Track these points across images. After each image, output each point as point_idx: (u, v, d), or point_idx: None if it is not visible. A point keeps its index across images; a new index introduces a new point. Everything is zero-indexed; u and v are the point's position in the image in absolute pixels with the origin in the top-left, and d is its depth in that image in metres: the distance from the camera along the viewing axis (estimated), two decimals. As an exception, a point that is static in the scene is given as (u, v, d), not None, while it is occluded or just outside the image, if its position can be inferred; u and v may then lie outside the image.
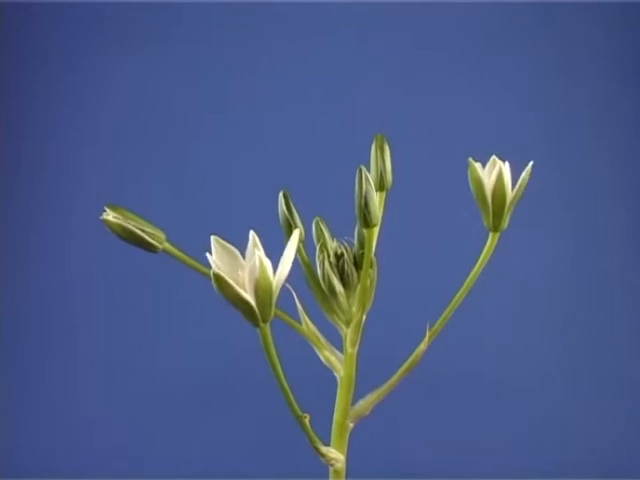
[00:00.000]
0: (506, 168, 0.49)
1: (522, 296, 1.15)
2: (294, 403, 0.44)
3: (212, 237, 0.42)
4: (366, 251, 0.46)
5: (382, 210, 0.51)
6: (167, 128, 1.17)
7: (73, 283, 1.16)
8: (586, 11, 1.16)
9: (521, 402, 1.14)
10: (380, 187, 0.51)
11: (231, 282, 0.40)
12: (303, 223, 0.48)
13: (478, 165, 0.50)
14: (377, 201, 0.45)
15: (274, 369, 0.43)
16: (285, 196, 0.48)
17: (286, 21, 1.17)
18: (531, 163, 0.49)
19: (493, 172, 0.49)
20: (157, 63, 1.17)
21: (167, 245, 0.47)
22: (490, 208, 0.50)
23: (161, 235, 0.47)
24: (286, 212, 0.48)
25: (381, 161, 0.51)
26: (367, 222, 0.45)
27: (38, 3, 1.16)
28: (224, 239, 0.42)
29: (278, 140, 1.16)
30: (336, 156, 1.08)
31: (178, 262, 0.47)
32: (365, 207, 0.44)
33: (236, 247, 0.43)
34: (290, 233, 0.47)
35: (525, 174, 0.49)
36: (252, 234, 0.42)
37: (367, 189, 0.44)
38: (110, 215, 0.46)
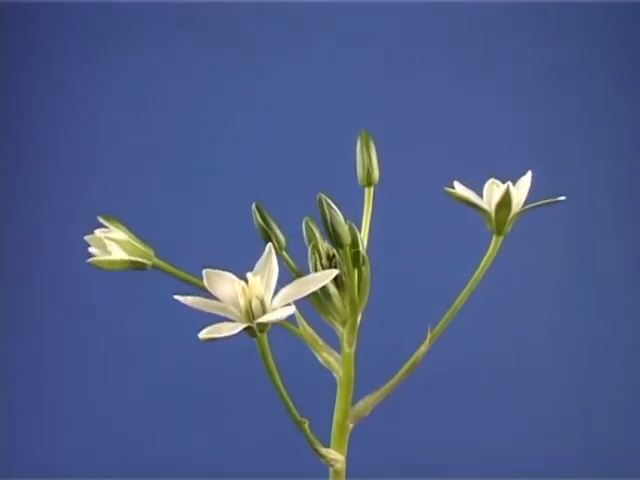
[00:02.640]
0: (513, 187, 0.49)
1: (523, 297, 1.15)
2: (293, 409, 0.44)
3: (203, 271, 0.42)
4: (347, 268, 0.46)
5: (370, 206, 0.52)
6: (168, 128, 1.17)
7: (74, 284, 1.16)
8: (583, 11, 1.16)
9: (522, 403, 1.14)
10: (368, 183, 0.52)
11: (224, 335, 0.40)
12: (282, 229, 0.47)
13: (457, 185, 0.50)
14: (343, 221, 0.45)
15: (272, 378, 0.43)
16: (258, 208, 0.47)
17: (284, 21, 1.17)
18: (562, 197, 0.49)
19: (496, 193, 0.49)
20: (157, 63, 1.17)
21: (156, 261, 0.47)
22: (493, 219, 0.50)
23: (149, 251, 0.47)
24: (262, 223, 0.47)
25: (367, 157, 0.52)
26: (339, 244, 0.45)
27: (38, 3, 1.16)
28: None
29: (273, 140, 1.16)
30: (332, 156, 1.08)
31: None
32: (334, 232, 0.44)
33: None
34: (270, 242, 0.46)
35: (546, 201, 0.49)
36: (269, 247, 0.43)
37: (331, 215, 0.44)
38: (95, 242, 0.46)
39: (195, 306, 0.41)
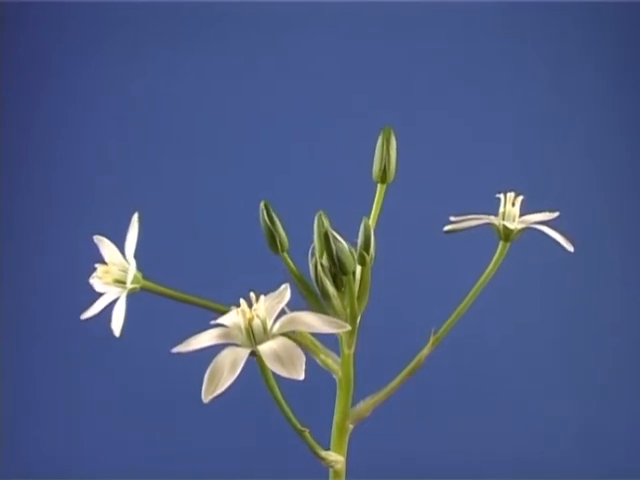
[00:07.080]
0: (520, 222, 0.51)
1: (525, 300, 1.15)
2: (293, 419, 0.44)
3: (211, 323, 0.42)
4: (349, 290, 0.46)
5: (381, 203, 0.51)
6: (170, 128, 1.17)
7: (73, 285, 1.16)
8: (586, 12, 1.16)
9: (522, 405, 1.14)
10: (382, 180, 0.51)
11: (228, 382, 0.40)
12: (286, 231, 0.47)
13: (453, 219, 0.51)
14: (348, 251, 0.45)
15: (272, 392, 0.42)
16: (266, 206, 0.46)
17: (285, 22, 1.17)
18: (571, 249, 0.49)
19: (507, 218, 0.50)
20: (158, 64, 1.17)
21: (145, 283, 0.47)
22: (501, 230, 0.50)
23: (137, 275, 0.47)
24: (268, 222, 0.46)
25: (386, 154, 0.50)
26: (344, 272, 0.45)
27: (38, 3, 1.16)
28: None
29: (274, 140, 1.16)
30: (333, 156, 1.08)
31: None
32: (339, 262, 0.45)
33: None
34: (274, 243, 0.46)
35: (560, 239, 0.50)
36: (285, 286, 0.42)
37: (337, 247, 0.44)
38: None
39: (194, 348, 0.41)
